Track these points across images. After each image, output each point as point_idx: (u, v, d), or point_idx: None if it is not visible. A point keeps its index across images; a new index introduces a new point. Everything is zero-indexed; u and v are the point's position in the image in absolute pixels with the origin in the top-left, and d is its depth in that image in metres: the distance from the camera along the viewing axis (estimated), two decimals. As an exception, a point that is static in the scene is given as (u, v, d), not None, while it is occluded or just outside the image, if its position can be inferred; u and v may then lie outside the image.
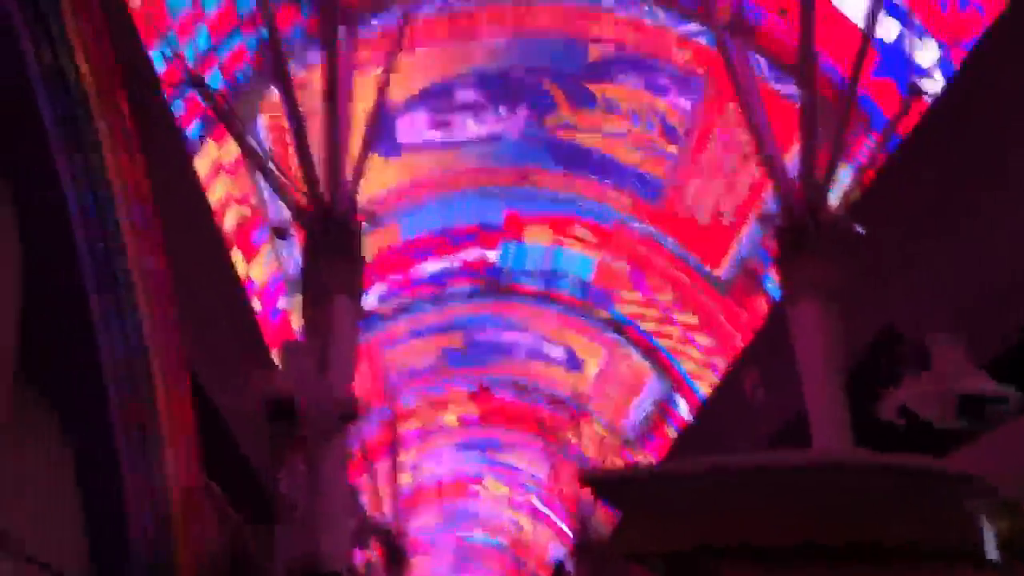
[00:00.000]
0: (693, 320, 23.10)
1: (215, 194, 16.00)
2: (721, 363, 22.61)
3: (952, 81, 12.23)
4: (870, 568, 3.69)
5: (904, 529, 3.71)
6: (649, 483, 4.13)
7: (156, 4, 12.96)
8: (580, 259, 23.43)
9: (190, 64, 12.66)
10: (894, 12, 12.37)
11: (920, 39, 12.40)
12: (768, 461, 4.02)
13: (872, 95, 13.28)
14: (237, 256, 17.62)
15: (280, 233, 12.99)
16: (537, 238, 23.14)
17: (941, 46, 12.60)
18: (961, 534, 3.83)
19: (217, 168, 15.97)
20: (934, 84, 12.21)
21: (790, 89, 15.78)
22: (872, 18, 11.03)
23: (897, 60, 12.46)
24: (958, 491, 3.88)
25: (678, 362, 24.83)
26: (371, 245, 20.32)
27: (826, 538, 3.69)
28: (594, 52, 18.38)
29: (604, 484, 4.45)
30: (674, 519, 3.85)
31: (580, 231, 22.61)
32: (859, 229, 11.25)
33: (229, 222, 16.88)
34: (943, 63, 12.58)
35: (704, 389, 23.83)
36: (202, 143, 15.10)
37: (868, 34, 11.07)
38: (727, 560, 3.74)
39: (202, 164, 15.17)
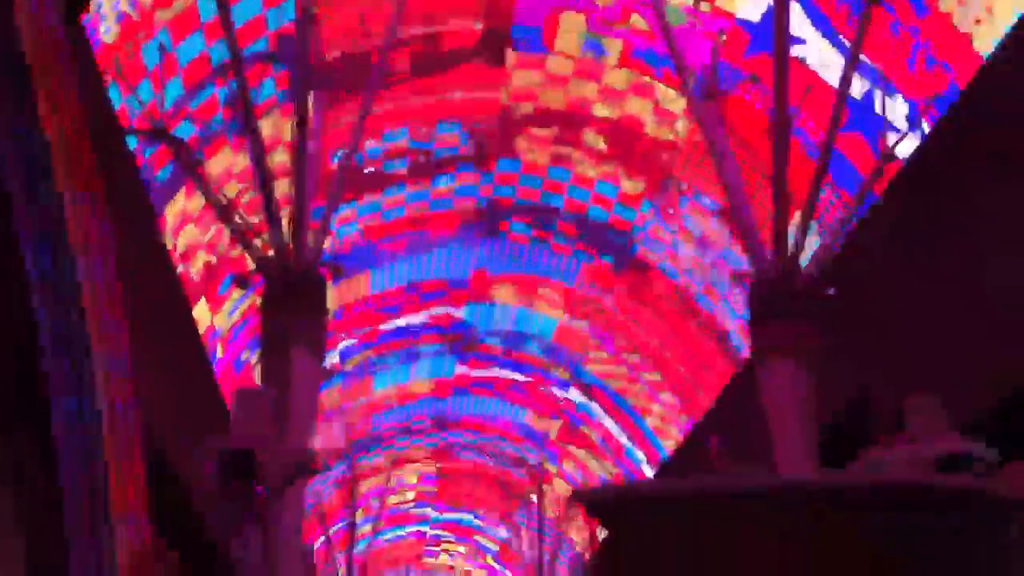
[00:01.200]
0: (658, 378, 23.03)
1: (183, 240, 15.86)
2: (686, 421, 22.51)
3: (925, 142, 12.40)
4: None
5: (933, 563, 3.50)
6: (651, 503, 3.86)
7: (132, 53, 12.87)
8: (544, 319, 23.33)
9: (166, 113, 12.54)
10: (863, 70, 12.54)
11: (889, 97, 12.57)
12: (786, 483, 3.82)
13: (843, 150, 13.44)
14: (203, 306, 17.39)
15: (242, 283, 12.78)
16: (503, 297, 23.02)
17: (910, 103, 12.83)
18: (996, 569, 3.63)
19: (186, 218, 15.82)
20: (906, 143, 12.35)
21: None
22: (846, 82, 11.17)
23: (867, 116, 12.58)
24: (1002, 516, 3.69)
25: (643, 422, 24.69)
26: (339, 297, 20.51)
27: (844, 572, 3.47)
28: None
29: (598, 504, 4.12)
30: (677, 545, 3.61)
31: (544, 291, 22.54)
32: (831, 291, 11.27)
33: (196, 268, 16.69)
34: (912, 119, 12.77)
35: (669, 448, 23.69)
36: (172, 193, 14.97)
37: (841, 98, 11.20)
38: None
39: (170, 211, 15.03)
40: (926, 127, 12.61)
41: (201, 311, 17.75)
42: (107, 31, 12.74)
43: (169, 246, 15.90)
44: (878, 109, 12.45)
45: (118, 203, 10.16)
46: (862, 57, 11.89)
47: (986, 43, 11.56)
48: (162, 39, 13.49)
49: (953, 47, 12.34)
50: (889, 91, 12.15)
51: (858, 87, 12.57)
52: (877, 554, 3.62)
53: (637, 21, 15.50)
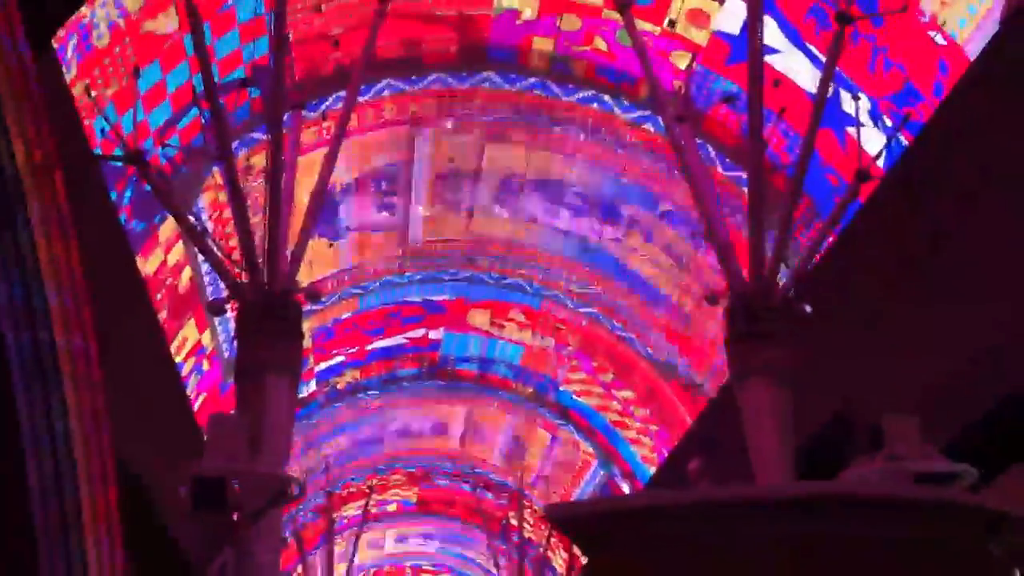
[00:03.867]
0: (637, 403, 23.03)
1: (173, 257, 15.81)
2: (665, 445, 22.48)
3: (902, 160, 12.49)
4: None
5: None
6: (631, 520, 3.78)
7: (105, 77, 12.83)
8: (512, 347, 23.97)
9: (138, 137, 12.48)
10: (842, 82, 12.72)
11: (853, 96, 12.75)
12: (774, 492, 3.75)
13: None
14: (190, 325, 17.35)
15: (216, 309, 12.60)
16: (477, 321, 23.16)
17: (872, 101, 13.05)
18: None
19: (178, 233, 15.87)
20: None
21: (738, 174, 16.09)
22: (822, 98, 11.23)
23: (834, 112, 12.67)
24: (990, 528, 3.65)
25: (622, 444, 24.64)
26: (328, 316, 20.49)
27: None
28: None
29: (573, 521, 4.02)
30: (655, 566, 3.55)
31: (515, 314, 22.79)
32: (808, 309, 11.26)
33: (183, 284, 16.66)
34: (874, 116, 13.01)
35: (649, 470, 23.63)
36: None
37: (817, 115, 11.24)
38: None
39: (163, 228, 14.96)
40: (903, 140, 12.74)
41: (190, 329, 17.74)
42: (99, 37, 12.76)
43: (159, 262, 15.95)
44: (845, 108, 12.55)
45: (88, 229, 10.08)
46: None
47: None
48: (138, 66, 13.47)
49: (910, 48, 12.74)
50: (850, 89, 12.28)
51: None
52: (861, 565, 3.58)
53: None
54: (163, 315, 16.70)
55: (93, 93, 12.58)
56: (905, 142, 12.70)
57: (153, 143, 14.15)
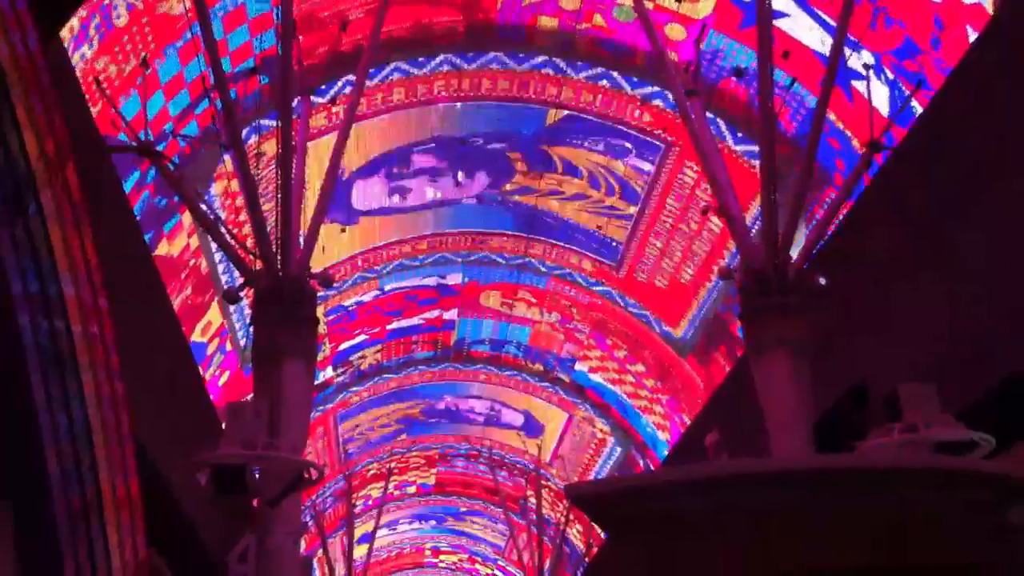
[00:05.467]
0: (653, 379, 23.05)
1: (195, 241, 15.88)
2: (682, 421, 22.49)
3: (915, 128, 12.40)
4: None
5: (966, 549, 3.43)
6: (650, 497, 3.78)
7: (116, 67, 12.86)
8: (520, 329, 24.30)
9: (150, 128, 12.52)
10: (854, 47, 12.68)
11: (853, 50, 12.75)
12: (796, 465, 3.73)
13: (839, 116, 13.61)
14: (214, 308, 17.52)
15: (232, 297, 12.64)
16: (490, 302, 23.44)
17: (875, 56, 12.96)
18: None
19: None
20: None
21: (749, 149, 16.04)
22: (833, 68, 11.12)
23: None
24: (1013, 497, 3.62)
25: (639, 422, 24.68)
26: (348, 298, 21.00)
27: (872, 559, 3.40)
28: (552, 116, 18.49)
29: (593, 500, 4.01)
30: (675, 543, 3.54)
31: (523, 294, 23.06)
32: (822, 281, 11.20)
33: (205, 266, 16.70)
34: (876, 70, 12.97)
35: (665, 448, 23.66)
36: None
37: (830, 80, 11.14)
38: None
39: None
40: (918, 107, 12.65)
41: (214, 312, 17.94)
42: (118, 17, 12.79)
43: (183, 242, 16.10)
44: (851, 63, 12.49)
45: (103, 218, 10.12)
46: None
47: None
48: (146, 56, 13.50)
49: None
50: (853, 47, 12.20)
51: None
52: (884, 534, 3.57)
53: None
54: (187, 293, 16.91)
55: (104, 84, 12.60)
56: (919, 108, 12.60)
57: (165, 132, 14.20)
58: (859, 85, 13.46)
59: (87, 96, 12.30)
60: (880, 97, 13.17)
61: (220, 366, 19.22)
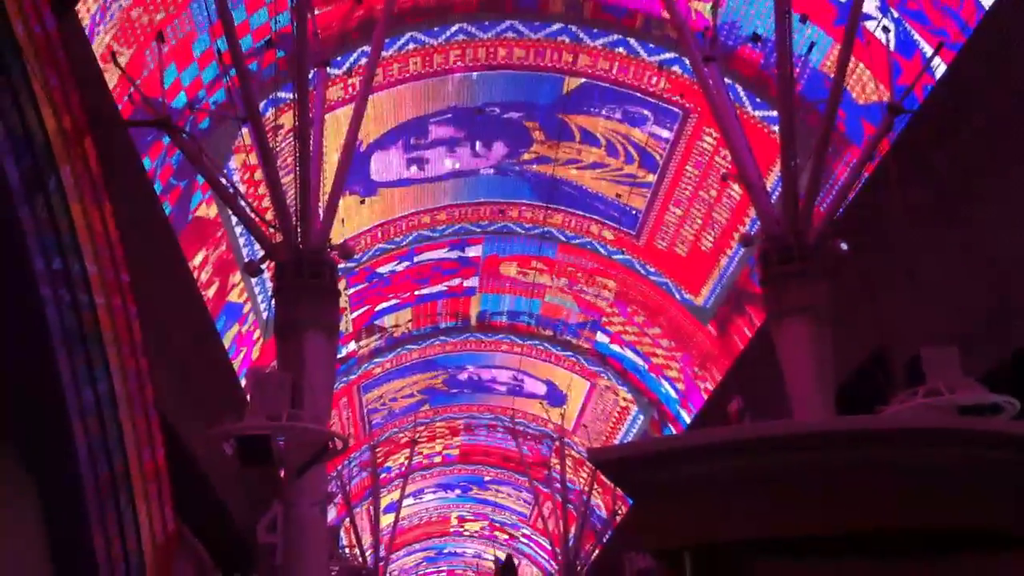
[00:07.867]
0: (674, 346, 23.02)
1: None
2: (705, 388, 22.48)
3: (936, 93, 12.21)
4: (931, 559, 3.41)
5: (991, 512, 3.41)
6: (673, 460, 3.77)
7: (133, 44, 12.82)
8: (532, 302, 24.64)
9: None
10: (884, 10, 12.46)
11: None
12: (827, 427, 3.72)
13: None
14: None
15: (253, 270, 12.70)
16: (507, 270, 23.66)
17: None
18: None
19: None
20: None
21: (767, 114, 15.86)
22: (851, 32, 10.97)
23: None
24: None
25: (661, 390, 24.68)
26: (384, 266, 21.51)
27: (894, 522, 3.38)
28: (570, 84, 18.36)
29: (617, 465, 4.01)
30: (701, 508, 3.54)
31: (536, 264, 23.14)
32: (843, 246, 11.12)
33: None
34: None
35: (688, 414, 23.67)
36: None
37: (849, 42, 10.98)
38: (761, 554, 3.46)
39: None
40: (941, 67, 12.43)
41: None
42: None
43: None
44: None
45: (122, 191, 10.15)
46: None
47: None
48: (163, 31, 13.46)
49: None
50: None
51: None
52: (909, 496, 3.56)
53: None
54: (222, 249, 17.09)
55: (120, 57, 12.60)
56: (943, 65, 12.38)
57: (183, 107, 14.20)
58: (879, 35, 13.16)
59: (103, 70, 12.31)
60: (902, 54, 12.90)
61: (254, 323, 19.48)
